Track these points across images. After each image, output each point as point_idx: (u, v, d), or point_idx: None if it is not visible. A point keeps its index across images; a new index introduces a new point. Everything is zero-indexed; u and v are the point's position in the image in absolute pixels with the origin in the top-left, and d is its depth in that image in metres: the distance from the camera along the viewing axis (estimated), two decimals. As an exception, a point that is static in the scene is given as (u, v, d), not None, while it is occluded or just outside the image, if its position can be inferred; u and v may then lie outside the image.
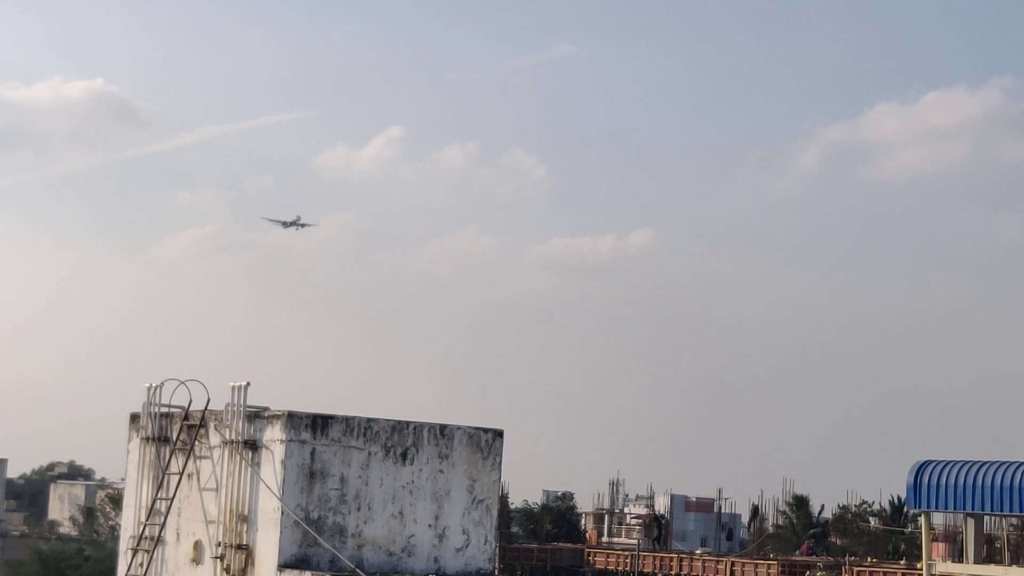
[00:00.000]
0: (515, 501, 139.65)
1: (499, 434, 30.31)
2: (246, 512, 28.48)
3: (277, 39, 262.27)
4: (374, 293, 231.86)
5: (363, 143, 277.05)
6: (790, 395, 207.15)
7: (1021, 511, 53.62)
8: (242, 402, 28.80)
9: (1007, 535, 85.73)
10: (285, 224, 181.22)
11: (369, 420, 27.98)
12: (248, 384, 28.56)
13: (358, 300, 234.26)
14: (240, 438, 28.67)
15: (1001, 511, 54.84)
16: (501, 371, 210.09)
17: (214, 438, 29.70)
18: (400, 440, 28.66)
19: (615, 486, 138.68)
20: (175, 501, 30.38)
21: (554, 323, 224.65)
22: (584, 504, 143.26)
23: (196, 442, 30.13)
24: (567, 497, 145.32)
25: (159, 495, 30.65)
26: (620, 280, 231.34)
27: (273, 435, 27.96)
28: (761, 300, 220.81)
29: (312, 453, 27.81)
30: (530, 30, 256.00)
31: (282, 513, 27.62)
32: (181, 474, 30.27)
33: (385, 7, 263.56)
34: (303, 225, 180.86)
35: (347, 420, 27.85)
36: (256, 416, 28.56)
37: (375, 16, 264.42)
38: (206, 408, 30.01)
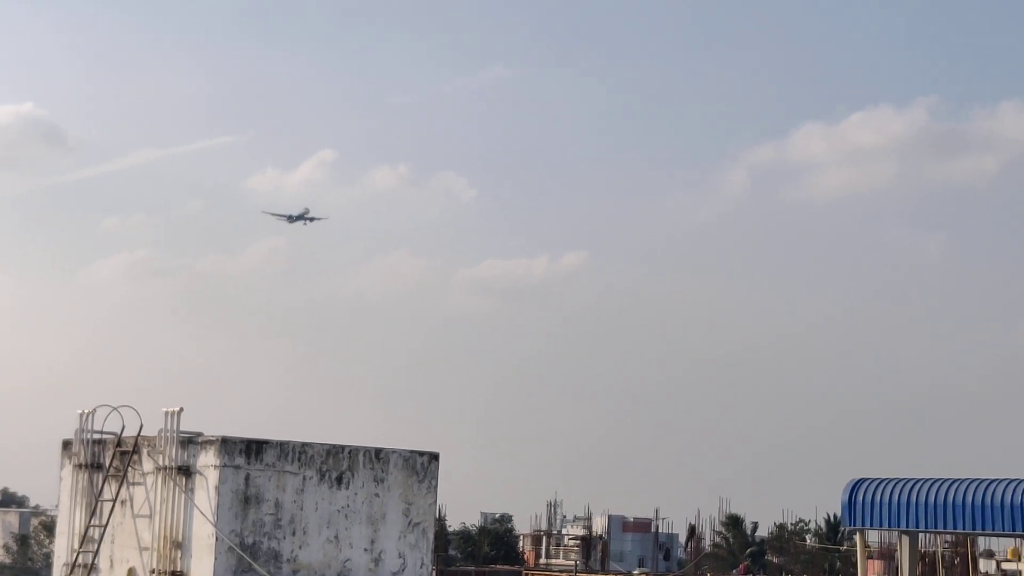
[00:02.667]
0: (453, 524, 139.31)
1: (434, 457, 30.23)
2: (180, 538, 28.26)
3: (209, 64, 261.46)
4: (307, 317, 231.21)
5: (294, 166, 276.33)
6: (725, 414, 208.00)
7: (955, 528, 53.94)
8: (175, 428, 28.61)
9: (942, 552, 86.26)
10: (291, 218, 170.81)
11: (304, 444, 27.85)
12: (181, 410, 28.37)
13: (291, 324, 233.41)
14: (173, 464, 28.46)
15: (936, 528, 55.15)
16: (436, 394, 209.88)
17: (147, 464, 29.47)
18: (335, 464, 28.53)
19: (552, 507, 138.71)
20: (109, 528, 30.11)
21: (488, 345, 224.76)
22: (522, 526, 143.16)
23: (129, 468, 29.88)
24: (505, 519, 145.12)
25: (92, 522, 30.37)
26: (554, 302, 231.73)
27: (207, 461, 27.77)
28: (693, 321, 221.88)
29: (246, 478, 27.64)
30: (464, 54, 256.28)
31: (216, 539, 27.42)
32: (114, 501, 30.01)
33: (318, 31, 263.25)
34: (312, 219, 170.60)
35: (281, 445, 27.70)
36: (190, 442, 28.36)
37: (307, 40, 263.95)
38: (139, 434, 29.79)
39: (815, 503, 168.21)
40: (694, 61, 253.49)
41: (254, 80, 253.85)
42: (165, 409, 28.59)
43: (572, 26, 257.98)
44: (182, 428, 28.60)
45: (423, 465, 29.97)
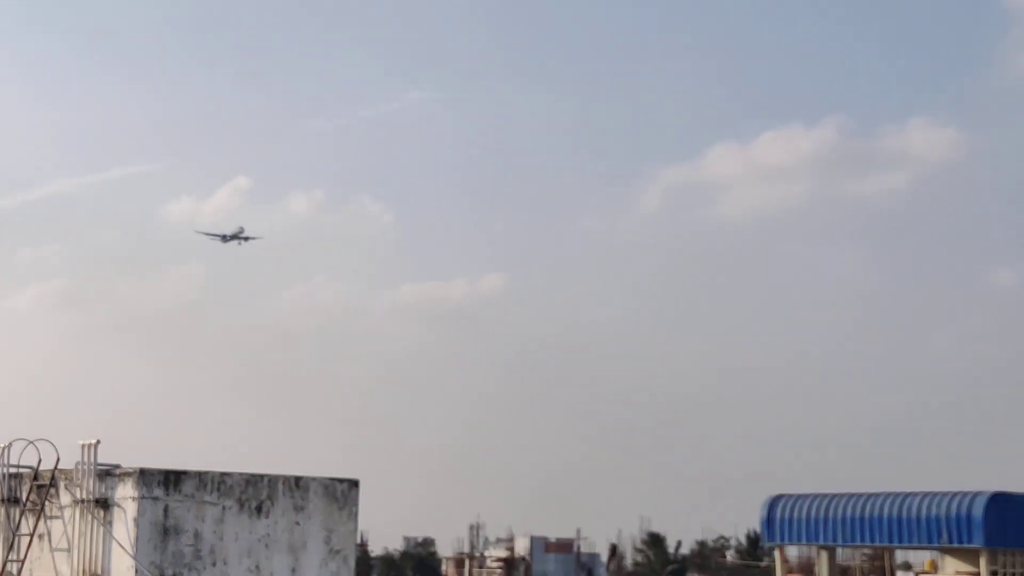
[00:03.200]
0: (375, 549, 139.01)
1: (355, 484, 30.25)
2: (99, 571, 28.12)
3: (122, 93, 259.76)
4: (226, 345, 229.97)
5: (208, 193, 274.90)
6: (644, 433, 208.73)
7: (873, 542, 54.58)
8: (92, 460, 28.46)
9: (860, 565, 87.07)
10: (225, 238, 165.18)
11: (223, 474, 27.78)
12: (98, 442, 28.23)
13: (210, 351, 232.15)
14: (91, 497, 28.32)
15: (853, 542, 55.78)
16: (355, 419, 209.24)
17: (65, 498, 29.30)
18: (255, 493, 28.49)
19: (475, 530, 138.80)
20: (26, 563, 29.91)
21: (407, 369, 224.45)
22: (444, 549, 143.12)
23: (47, 502, 29.70)
24: (427, 543, 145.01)
25: (10, 557, 30.15)
26: (473, 325, 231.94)
27: (125, 493, 27.65)
28: (612, 341, 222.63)
29: (165, 509, 27.54)
30: (384, 78, 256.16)
31: (136, 571, 27.31)
32: (32, 535, 29.81)
33: (233, 57, 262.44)
34: (247, 238, 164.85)
35: (200, 475, 27.62)
36: (107, 474, 28.23)
37: (222, 67, 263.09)
38: (56, 467, 29.62)
39: (736, 519, 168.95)
40: (606, 79, 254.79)
41: (168, 108, 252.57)
42: (81, 442, 28.45)
43: (488, 50, 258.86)
44: (100, 460, 28.47)
45: (343, 492, 29.99)
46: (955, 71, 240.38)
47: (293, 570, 29.35)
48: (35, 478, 30.02)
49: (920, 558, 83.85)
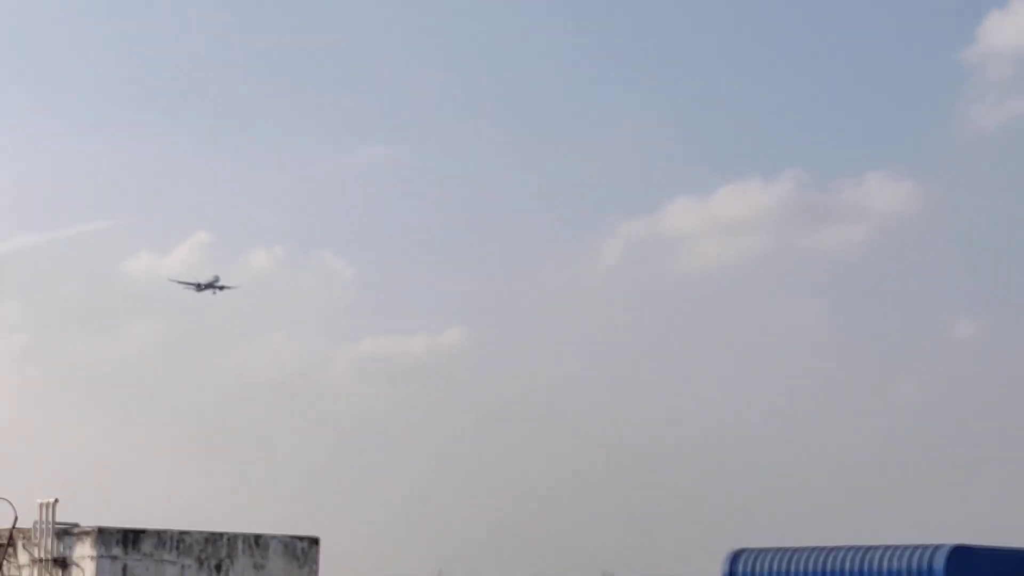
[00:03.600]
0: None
1: (315, 541, 30.05)
2: (57, 632, 27.83)
3: (83, 148, 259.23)
4: (186, 401, 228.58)
5: (169, 249, 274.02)
6: (607, 486, 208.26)
7: (835, 595, 54.41)
8: (51, 519, 28.21)
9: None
10: (200, 287, 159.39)
11: (182, 533, 27.57)
12: (56, 501, 27.98)
13: (169, 407, 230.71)
14: (49, 556, 28.06)
15: (815, 596, 55.62)
16: (316, 475, 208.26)
17: (23, 557, 29.03)
18: (214, 552, 28.28)
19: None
20: (-17, 623, 29.57)
21: (368, 424, 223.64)
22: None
23: (4, 561, 29.40)
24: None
25: (-34, 618, 29.81)
26: (434, 379, 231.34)
27: (83, 552, 27.41)
28: (574, 394, 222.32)
29: (124, 568, 27.32)
30: (346, 131, 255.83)
31: (94, 632, 27.04)
32: (-11, 595, 29.50)
33: (194, 111, 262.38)
34: (222, 287, 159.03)
35: (159, 534, 27.41)
36: (66, 533, 27.98)
37: (183, 120, 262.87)
38: (14, 527, 29.34)
39: (698, 574, 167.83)
40: (568, 132, 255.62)
41: (128, 163, 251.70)
42: (40, 501, 28.18)
43: (450, 104, 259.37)
44: (58, 519, 28.19)
45: (303, 550, 29.79)
46: (912, 125, 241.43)
47: (253, 629, 29.10)
48: (-8, 538, 29.74)
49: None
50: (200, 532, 27.75)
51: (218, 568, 28.26)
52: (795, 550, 55.20)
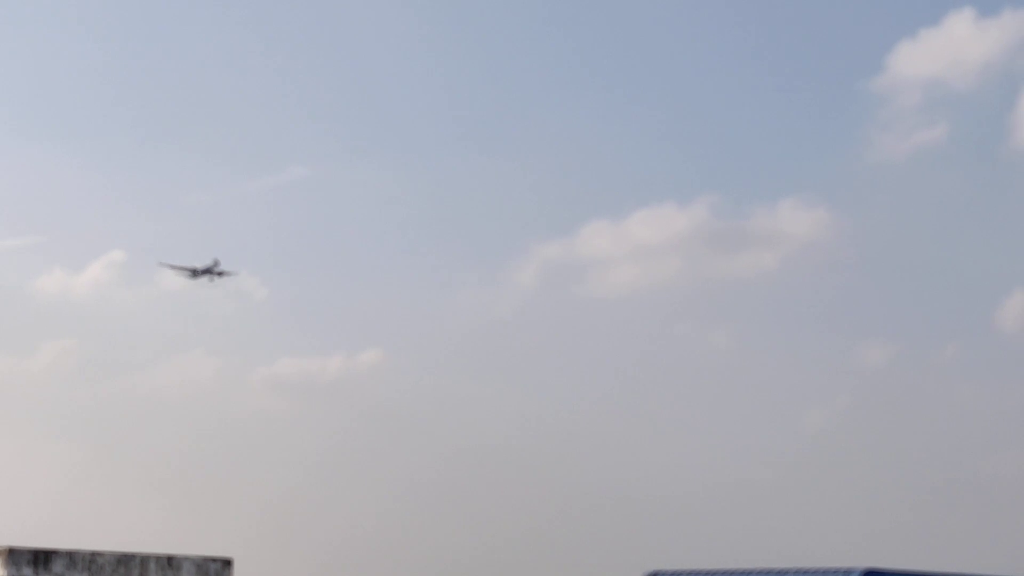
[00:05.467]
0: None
1: (228, 563, 29.84)
2: (-36, 654, 27.41)
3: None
4: (100, 420, 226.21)
5: (82, 267, 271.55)
6: (514, 508, 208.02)
7: (748, 618, 54.56)
8: (-41, 539, 27.81)
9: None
10: (195, 273, 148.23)
11: (93, 554, 27.27)
12: (-35, 521, 27.63)
13: (83, 426, 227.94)
14: (-44, 577, 27.65)
15: (728, 618, 55.74)
16: (230, 495, 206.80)
17: (-71, 578, 28.58)
18: (126, 572, 27.99)
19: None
20: None
21: (283, 444, 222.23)
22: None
23: (-90, 582, 28.95)
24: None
25: None
26: (350, 400, 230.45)
27: (-8, 573, 27.03)
28: (487, 416, 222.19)
29: (34, 590, 26.95)
30: (266, 153, 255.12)
31: (2, 654, 26.66)
32: None
33: (111, 129, 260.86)
34: (220, 273, 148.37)
35: (71, 554, 27.10)
36: (-26, 553, 27.59)
37: (100, 138, 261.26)
38: (-80, 547, 28.90)
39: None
40: (485, 157, 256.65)
41: (42, 181, 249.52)
42: (-52, 521, 27.79)
43: (369, 126, 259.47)
44: (-34, 540, 27.80)
45: (216, 572, 29.56)
46: (825, 152, 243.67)
47: (165, 651, 28.81)
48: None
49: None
50: (112, 553, 27.47)
51: (130, 589, 28.02)
52: (709, 572, 55.36)
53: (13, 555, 26.29)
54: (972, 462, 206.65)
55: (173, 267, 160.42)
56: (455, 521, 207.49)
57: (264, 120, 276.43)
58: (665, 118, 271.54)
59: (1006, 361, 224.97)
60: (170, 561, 28.19)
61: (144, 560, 27.67)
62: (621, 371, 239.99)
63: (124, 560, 27.40)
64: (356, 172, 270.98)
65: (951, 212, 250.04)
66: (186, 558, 28.63)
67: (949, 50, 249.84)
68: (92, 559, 26.93)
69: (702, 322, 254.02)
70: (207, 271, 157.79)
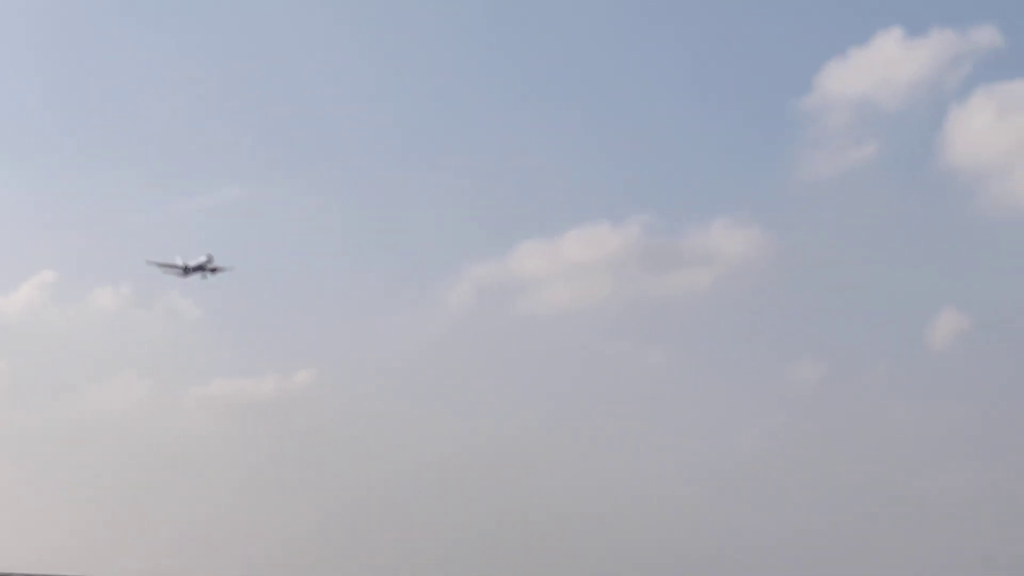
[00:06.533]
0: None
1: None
2: None
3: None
4: (30, 441, 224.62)
5: (12, 288, 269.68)
6: (447, 525, 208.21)
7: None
8: None
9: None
10: (186, 270, 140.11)
11: (5, 575, 27.20)
12: None
13: (12, 449, 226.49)
14: None
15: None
16: (158, 515, 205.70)
17: None
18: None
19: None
20: None
21: (214, 464, 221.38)
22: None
23: None
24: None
25: None
26: (283, 420, 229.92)
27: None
28: (420, 435, 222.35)
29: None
30: (201, 173, 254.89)
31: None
32: None
33: (42, 152, 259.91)
34: (214, 269, 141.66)
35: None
36: None
37: (29, 160, 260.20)
38: None
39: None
40: (416, 179, 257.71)
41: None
42: None
43: (304, 147, 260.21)
44: None
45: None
46: (756, 171, 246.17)
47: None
48: None
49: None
50: (26, 574, 27.49)
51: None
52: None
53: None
54: (905, 479, 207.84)
55: (162, 265, 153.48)
56: (386, 539, 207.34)
57: (199, 140, 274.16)
58: (598, 139, 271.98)
59: (937, 379, 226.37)
60: (88, 582, 28.23)
61: (61, 581, 27.71)
62: (556, 389, 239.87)
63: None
64: (290, 192, 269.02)
65: (882, 230, 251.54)
66: (104, 579, 28.68)
67: (878, 69, 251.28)
68: (8, 580, 27.00)
69: (636, 341, 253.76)
70: (199, 268, 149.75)
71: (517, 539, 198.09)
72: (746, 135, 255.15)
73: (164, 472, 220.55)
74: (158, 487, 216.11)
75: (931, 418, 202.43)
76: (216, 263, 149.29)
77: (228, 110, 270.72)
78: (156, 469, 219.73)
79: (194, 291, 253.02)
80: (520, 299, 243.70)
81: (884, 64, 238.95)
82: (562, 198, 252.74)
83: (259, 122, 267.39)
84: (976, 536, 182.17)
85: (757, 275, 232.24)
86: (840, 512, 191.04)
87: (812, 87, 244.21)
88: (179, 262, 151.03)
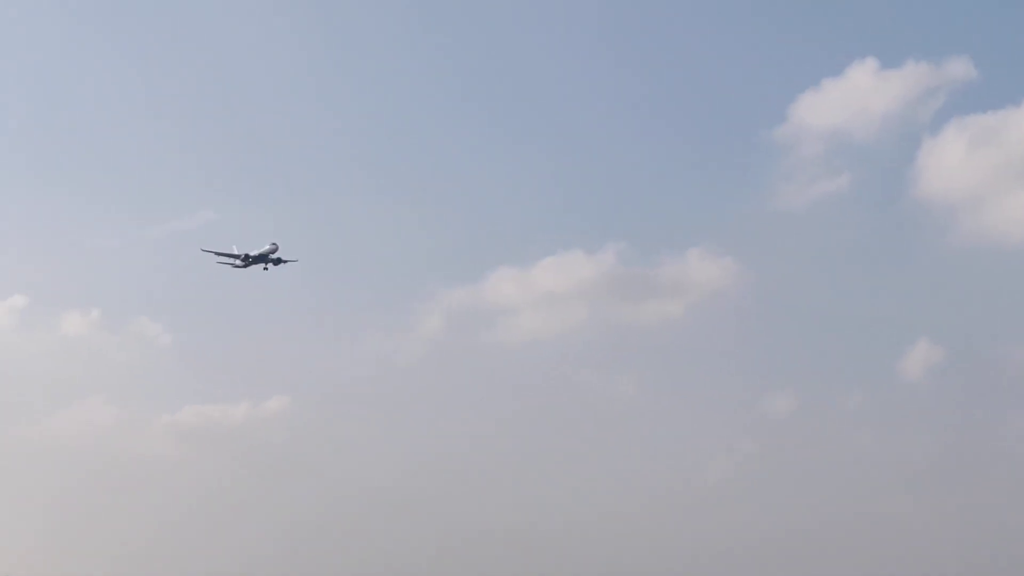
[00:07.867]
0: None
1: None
2: None
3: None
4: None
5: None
6: (420, 551, 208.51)
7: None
8: None
9: None
10: (246, 260, 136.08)
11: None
12: None
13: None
14: None
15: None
16: (134, 543, 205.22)
17: None
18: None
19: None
20: None
21: (184, 489, 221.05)
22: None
23: None
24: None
25: None
26: (252, 446, 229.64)
27: None
28: (392, 461, 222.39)
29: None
30: (172, 198, 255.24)
31: None
32: None
33: (11, 177, 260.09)
34: (278, 262, 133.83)
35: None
36: None
37: (3, 187, 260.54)
38: None
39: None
40: (393, 205, 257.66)
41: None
42: None
43: (281, 174, 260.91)
44: None
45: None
46: (730, 201, 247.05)
47: None
48: None
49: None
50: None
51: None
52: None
53: None
54: (876, 509, 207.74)
55: (219, 254, 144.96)
56: (355, 563, 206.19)
57: (174, 165, 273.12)
58: (573, 167, 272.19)
59: (909, 410, 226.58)
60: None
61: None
62: (526, 417, 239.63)
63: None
64: (262, 217, 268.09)
65: (854, 261, 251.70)
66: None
67: (852, 101, 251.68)
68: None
69: (607, 369, 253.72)
70: (260, 258, 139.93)
71: (485, 564, 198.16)
72: (720, 165, 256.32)
73: (121, 495, 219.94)
74: (120, 512, 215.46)
75: (904, 448, 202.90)
76: (280, 253, 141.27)
77: (202, 136, 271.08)
78: (119, 493, 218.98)
79: (166, 316, 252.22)
80: (493, 326, 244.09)
81: (858, 96, 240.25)
82: (536, 226, 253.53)
83: (234, 147, 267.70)
84: (944, 566, 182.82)
85: (730, 305, 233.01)
86: (808, 542, 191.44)
87: (786, 118, 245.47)
88: (236, 251, 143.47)
